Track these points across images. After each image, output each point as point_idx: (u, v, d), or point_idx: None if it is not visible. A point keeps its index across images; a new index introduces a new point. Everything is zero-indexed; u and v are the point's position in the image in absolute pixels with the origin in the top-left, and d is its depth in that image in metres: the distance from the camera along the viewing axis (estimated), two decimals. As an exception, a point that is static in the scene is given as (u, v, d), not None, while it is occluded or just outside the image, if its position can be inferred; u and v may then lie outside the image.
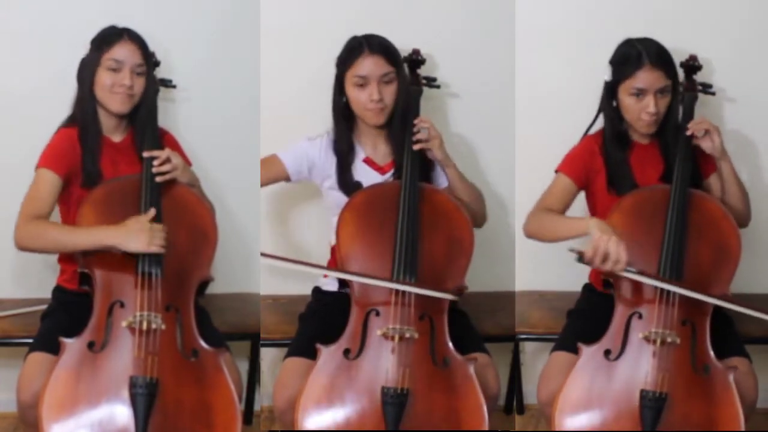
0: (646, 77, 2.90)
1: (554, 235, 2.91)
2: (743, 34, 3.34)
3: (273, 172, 3.09)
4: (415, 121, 3.00)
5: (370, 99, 2.97)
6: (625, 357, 2.78)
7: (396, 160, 3.05)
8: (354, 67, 2.98)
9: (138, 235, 2.74)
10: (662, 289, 2.78)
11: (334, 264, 2.99)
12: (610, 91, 2.99)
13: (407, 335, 2.77)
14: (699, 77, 3.07)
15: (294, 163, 3.07)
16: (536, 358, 3.54)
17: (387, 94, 2.99)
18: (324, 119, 3.13)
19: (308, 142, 3.08)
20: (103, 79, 2.91)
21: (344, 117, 3.05)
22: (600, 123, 3.06)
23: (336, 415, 2.73)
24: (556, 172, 3.02)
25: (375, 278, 2.81)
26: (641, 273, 2.77)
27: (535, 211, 2.98)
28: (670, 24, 3.23)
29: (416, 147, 2.98)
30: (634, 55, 2.91)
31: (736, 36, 3.33)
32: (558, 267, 3.25)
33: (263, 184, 3.12)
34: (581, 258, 2.74)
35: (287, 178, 3.10)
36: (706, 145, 2.95)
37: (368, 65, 2.97)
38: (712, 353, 2.78)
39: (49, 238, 2.80)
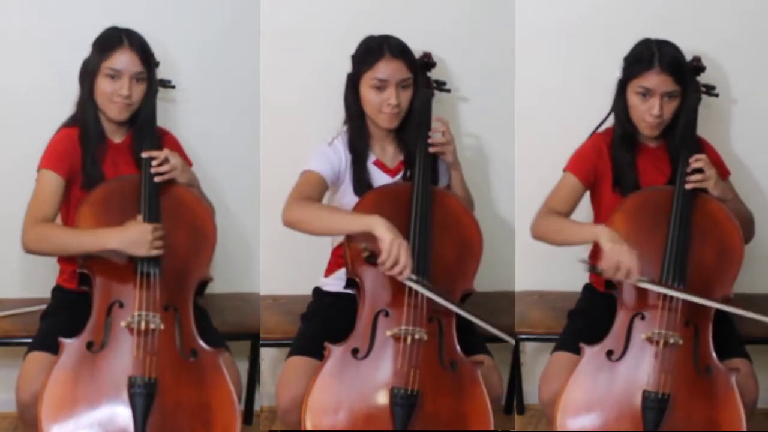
0: (653, 78, 2.87)
1: (561, 239, 2.90)
2: (746, 34, 3.33)
3: (320, 189, 2.93)
4: (433, 122, 2.98)
5: (387, 103, 2.92)
6: (628, 358, 2.77)
7: (406, 161, 3.02)
8: (373, 69, 2.92)
9: (139, 240, 2.73)
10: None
11: (337, 264, 2.99)
12: (621, 88, 2.97)
13: (417, 337, 2.77)
14: (702, 78, 3.05)
15: (331, 173, 2.95)
16: (536, 359, 3.54)
17: (404, 99, 2.94)
18: (324, 119, 3.13)
19: (329, 147, 2.99)
20: (103, 86, 2.89)
21: (357, 116, 2.99)
22: (611, 121, 3.04)
23: (343, 414, 2.72)
24: (564, 171, 3.00)
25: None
26: (652, 282, 2.76)
27: (542, 213, 2.95)
28: (672, 24, 3.21)
29: (432, 150, 2.95)
30: (647, 56, 2.89)
31: (738, 36, 3.32)
32: (558, 267, 3.24)
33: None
34: (594, 269, 2.74)
35: (327, 189, 2.99)
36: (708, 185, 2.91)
37: (389, 69, 2.91)
38: (714, 354, 2.78)
39: (54, 241, 2.79)
